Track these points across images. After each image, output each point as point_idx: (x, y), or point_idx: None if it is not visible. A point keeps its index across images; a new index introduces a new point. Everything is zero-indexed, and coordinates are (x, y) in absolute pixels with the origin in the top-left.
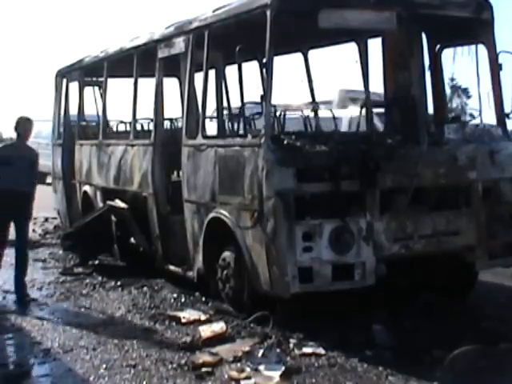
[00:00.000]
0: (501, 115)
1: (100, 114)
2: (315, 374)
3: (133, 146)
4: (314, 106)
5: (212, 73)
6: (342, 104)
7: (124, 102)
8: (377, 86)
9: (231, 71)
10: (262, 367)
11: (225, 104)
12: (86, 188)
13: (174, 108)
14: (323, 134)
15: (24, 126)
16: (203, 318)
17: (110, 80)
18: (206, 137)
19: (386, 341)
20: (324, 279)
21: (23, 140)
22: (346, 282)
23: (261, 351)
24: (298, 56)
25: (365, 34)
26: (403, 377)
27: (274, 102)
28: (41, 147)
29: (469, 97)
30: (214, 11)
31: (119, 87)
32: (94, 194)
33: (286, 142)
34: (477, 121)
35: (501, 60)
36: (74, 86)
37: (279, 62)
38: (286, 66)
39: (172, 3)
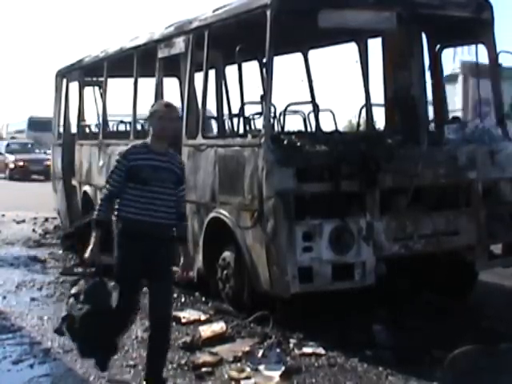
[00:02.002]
0: (501, 115)
1: (100, 113)
2: (315, 374)
3: None
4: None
5: (212, 73)
6: None
7: (124, 102)
8: (376, 86)
9: (231, 71)
10: (262, 367)
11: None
12: (86, 188)
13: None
14: (323, 134)
15: (162, 115)
16: (203, 317)
17: (110, 80)
18: (206, 137)
19: (386, 341)
20: (324, 279)
21: (162, 140)
22: (346, 281)
23: (261, 351)
24: (298, 56)
25: (365, 34)
26: (403, 377)
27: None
28: None
29: None
30: (214, 11)
31: (119, 87)
32: (94, 194)
33: (285, 141)
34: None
35: (501, 60)
36: (74, 86)
37: (279, 62)
38: (286, 66)
39: (172, 3)
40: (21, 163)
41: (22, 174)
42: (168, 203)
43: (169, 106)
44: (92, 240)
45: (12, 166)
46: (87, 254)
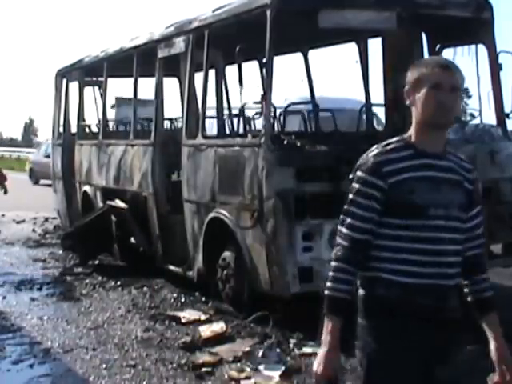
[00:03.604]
0: (501, 115)
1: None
2: None
3: (133, 145)
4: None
5: (212, 73)
6: None
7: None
8: (376, 86)
9: (231, 71)
10: (261, 367)
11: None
12: (86, 188)
13: (173, 108)
14: (323, 134)
15: (438, 82)
16: (203, 317)
17: (110, 80)
18: (206, 137)
19: None
20: (324, 279)
21: (438, 130)
22: None
23: (261, 351)
24: (298, 56)
25: (365, 34)
26: None
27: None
28: None
29: (469, 97)
30: (214, 11)
31: (119, 87)
32: (93, 194)
33: (285, 141)
34: (477, 121)
35: (501, 60)
36: (73, 86)
37: (279, 62)
38: (286, 66)
39: (172, 3)
40: None
41: None
42: (457, 247)
43: (449, 66)
44: (326, 338)
45: None
46: (320, 366)
